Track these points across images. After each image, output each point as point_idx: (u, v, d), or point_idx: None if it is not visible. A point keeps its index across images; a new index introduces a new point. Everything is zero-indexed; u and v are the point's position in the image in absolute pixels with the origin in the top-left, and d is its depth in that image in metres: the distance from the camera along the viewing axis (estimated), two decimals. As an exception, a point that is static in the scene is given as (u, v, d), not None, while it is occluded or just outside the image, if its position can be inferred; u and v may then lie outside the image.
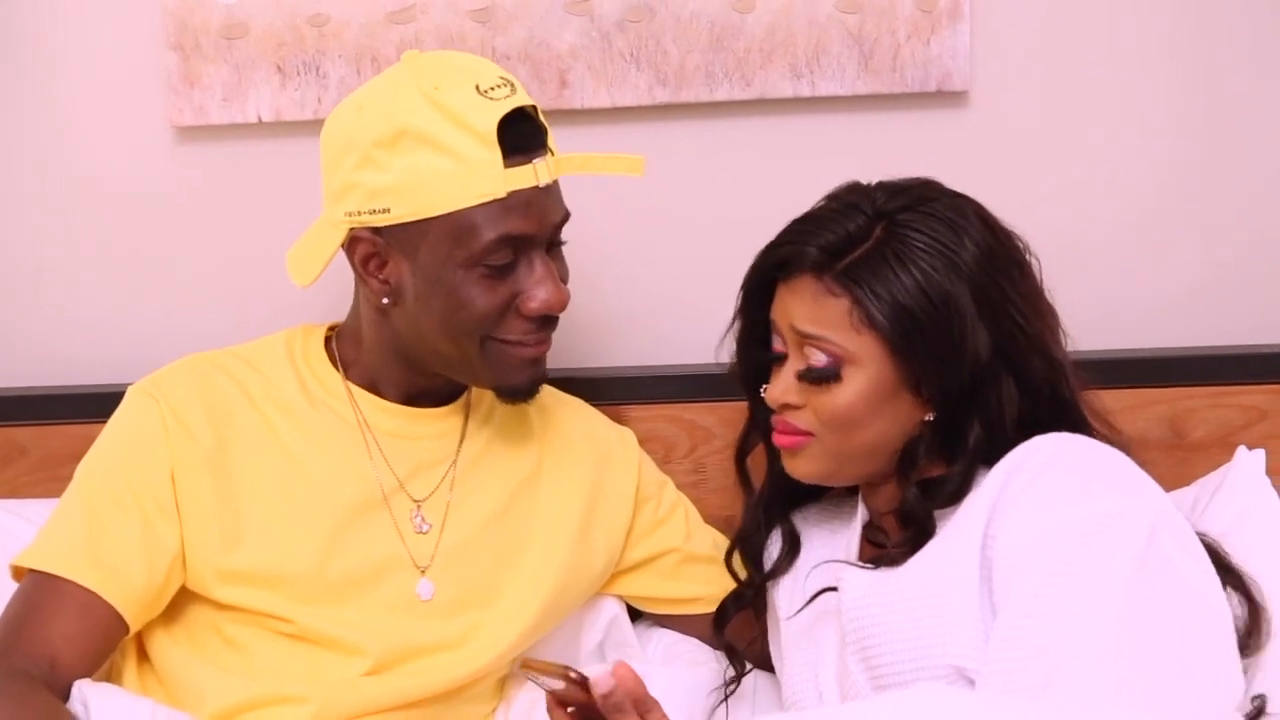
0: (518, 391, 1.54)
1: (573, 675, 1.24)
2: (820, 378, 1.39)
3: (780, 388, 1.43)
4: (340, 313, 1.62)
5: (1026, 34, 1.87)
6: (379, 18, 1.87)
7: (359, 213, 1.46)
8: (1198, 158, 1.89)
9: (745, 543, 1.57)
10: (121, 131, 1.94)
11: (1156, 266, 1.90)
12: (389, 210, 1.45)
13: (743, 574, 1.59)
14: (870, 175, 1.47)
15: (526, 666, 1.29)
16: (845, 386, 1.39)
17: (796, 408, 1.42)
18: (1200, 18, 1.86)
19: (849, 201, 1.42)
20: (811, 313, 1.40)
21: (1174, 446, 1.80)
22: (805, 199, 1.48)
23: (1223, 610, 1.31)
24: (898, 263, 1.37)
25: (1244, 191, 1.89)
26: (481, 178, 1.42)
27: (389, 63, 1.83)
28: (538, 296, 1.47)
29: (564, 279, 1.52)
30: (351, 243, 1.49)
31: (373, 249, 1.48)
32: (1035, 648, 1.23)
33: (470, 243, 1.44)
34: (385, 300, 1.49)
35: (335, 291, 1.65)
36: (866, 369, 1.38)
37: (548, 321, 1.51)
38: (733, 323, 1.52)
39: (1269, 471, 1.65)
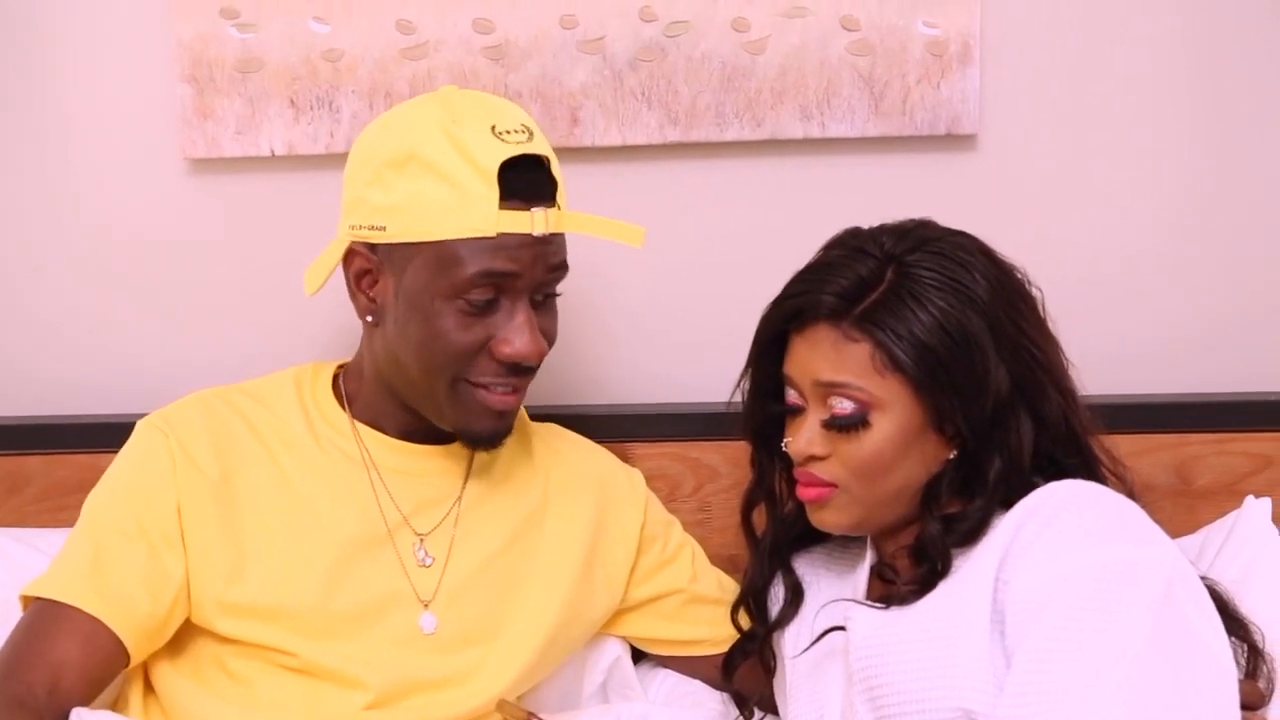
0: (478, 439, 1.53)
1: None
2: (847, 425, 1.39)
3: (804, 440, 1.41)
4: (352, 345, 1.62)
5: (1036, 79, 1.88)
6: (392, 54, 1.88)
7: (360, 227, 1.49)
8: (1206, 202, 1.89)
9: (752, 594, 1.57)
10: (135, 162, 1.95)
11: (1163, 311, 1.91)
12: (385, 228, 1.46)
13: (747, 625, 1.58)
14: (880, 217, 1.48)
15: (501, 709, 1.30)
16: (873, 432, 1.38)
17: (822, 459, 1.42)
18: (1210, 60, 1.87)
19: (855, 246, 1.42)
20: (833, 361, 1.39)
21: (1180, 493, 1.80)
22: (814, 240, 1.48)
23: (1229, 666, 1.31)
24: (915, 303, 1.37)
25: (1253, 236, 1.90)
26: (475, 213, 1.43)
27: (402, 98, 1.84)
28: (511, 342, 1.47)
29: (549, 333, 1.51)
30: (349, 256, 1.51)
31: (366, 265, 1.50)
32: (1052, 695, 1.22)
33: (452, 273, 1.44)
34: (369, 318, 1.51)
35: (345, 322, 1.65)
36: (893, 412, 1.38)
37: (520, 371, 1.50)
38: (742, 377, 1.51)
39: (1276, 519, 1.65)
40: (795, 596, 1.54)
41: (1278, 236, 1.89)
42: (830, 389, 1.39)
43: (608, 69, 1.87)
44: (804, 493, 1.44)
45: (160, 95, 1.92)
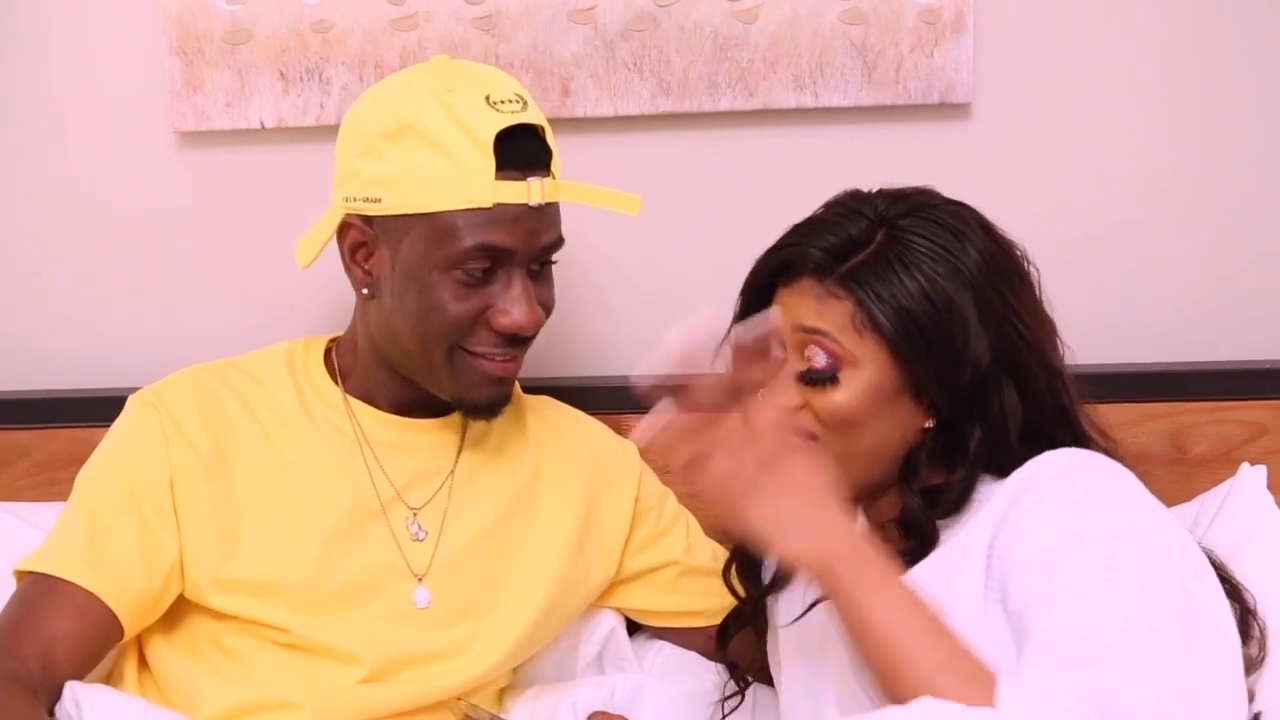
0: (477, 408, 1.53)
1: None
2: (818, 380, 1.38)
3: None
4: (344, 318, 1.61)
5: (1029, 47, 1.87)
6: (382, 24, 1.87)
7: (354, 199, 1.48)
8: (1200, 171, 1.89)
9: (742, 557, 1.56)
10: (124, 136, 1.94)
11: (1158, 280, 1.90)
12: (380, 200, 1.46)
13: (741, 590, 1.58)
14: (873, 186, 1.47)
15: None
16: (842, 389, 1.38)
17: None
18: (1203, 32, 1.86)
19: (850, 207, 1.42)
20: (816, 311, 1.38)
21: (1175, 461, 1.80)
22: (807, 210, 1.47)
23: (1231, 634, 1.30)
24: (901, 267, 1.36)
25: (1247, 205, 1.89)
26: (471, 184, 1.43)
27: (392, 69, 1.83)
28: (509, 313, 1.47)
29: (546, 303, 1.51)
30: (343, 228, 1.51)
31: (361, 237, 1.49)
32: (1059, 660, 1.21)
33: (449, 245, 1.44)
34: (365, 291, 1.51)
35: (337, 296, 1.65)
36: (866, 372, 1.37)
37: (518, 340, 1.50)
38: (729, 329, 1.51)
39: (1271, 487, 1.65)
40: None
41: (1273, 204, 1.89)
42: (810, 335, 1.38)
43: (599, 39, 1.86)
44: None
45: (149, 68, 1.91)
